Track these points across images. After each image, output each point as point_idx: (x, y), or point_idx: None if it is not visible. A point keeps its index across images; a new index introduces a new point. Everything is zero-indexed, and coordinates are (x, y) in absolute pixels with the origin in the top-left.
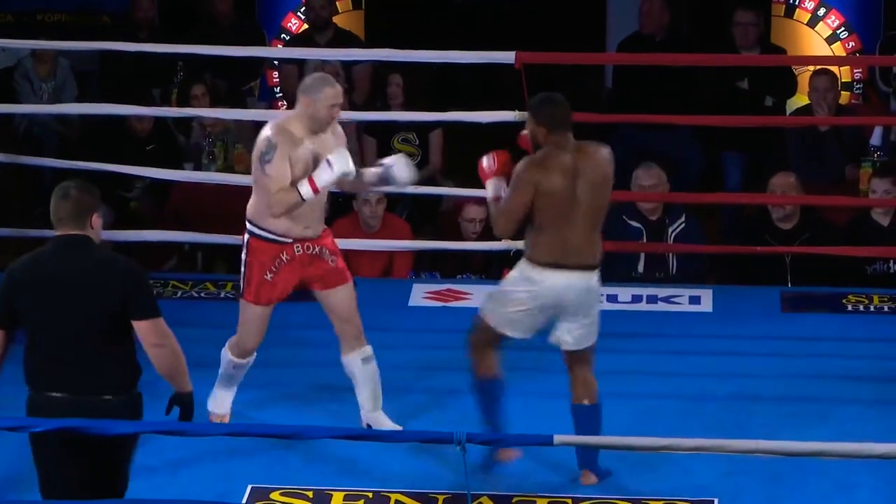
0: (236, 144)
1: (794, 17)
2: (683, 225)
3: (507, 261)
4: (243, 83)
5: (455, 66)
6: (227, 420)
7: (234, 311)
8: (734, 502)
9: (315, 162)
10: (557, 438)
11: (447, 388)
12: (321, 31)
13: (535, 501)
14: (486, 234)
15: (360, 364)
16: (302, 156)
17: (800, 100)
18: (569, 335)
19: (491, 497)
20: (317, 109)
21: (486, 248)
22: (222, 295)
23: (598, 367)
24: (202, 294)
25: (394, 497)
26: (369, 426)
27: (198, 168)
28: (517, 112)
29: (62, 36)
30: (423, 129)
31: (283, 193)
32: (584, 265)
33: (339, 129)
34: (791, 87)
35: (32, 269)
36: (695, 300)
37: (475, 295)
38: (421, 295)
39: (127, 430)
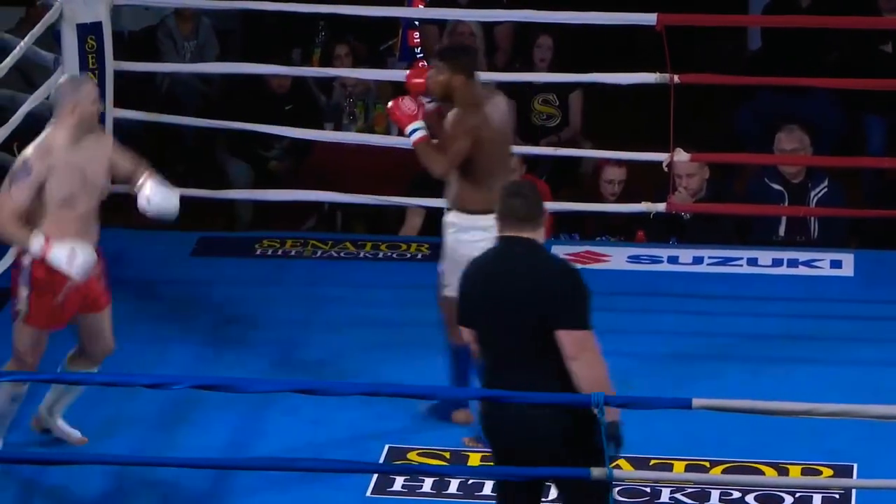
0: (377, 105)
1: None
2: (826, 189)
3: (645, 222)
4: (383, 43)
5: (594, 28)
6: None
7: (373, 271)
8: (873, 467)
9: (80, 173)
10: (696, 402)
11: None
12: None
13: (672, 464)
14: (626, 195)
15: None
16: (69, 166)
17: None
18: None
19: (628, 460)
20: (84, 108)
21: (625, 210)
22: (361, 255)
23: (735, 331)
24: (342, 254)
25: None
26: (48, 430)
27: (338, 128)
28: (658, 73)
29: None
30: (563, 90)
31: (13, 223)
32: None
33: (103, 132)
34: None
35: (479, 269)
36: (836, 264)
37: (614, 257)
38: (560, 256)
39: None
